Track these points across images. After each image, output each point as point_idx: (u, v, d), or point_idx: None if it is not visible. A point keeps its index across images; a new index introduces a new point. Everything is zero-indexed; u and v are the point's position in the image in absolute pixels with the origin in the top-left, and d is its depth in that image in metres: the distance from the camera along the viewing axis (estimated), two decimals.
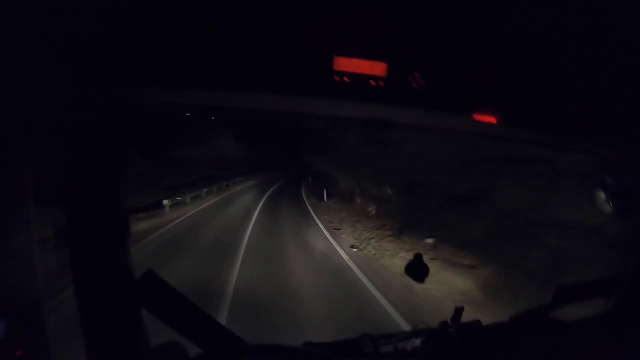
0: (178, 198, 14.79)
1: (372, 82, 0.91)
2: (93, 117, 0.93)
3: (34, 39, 0.78)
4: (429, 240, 8.72)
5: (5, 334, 0.77)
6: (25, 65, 0.79)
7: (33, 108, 0.84)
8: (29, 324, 0.85)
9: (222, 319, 4.68)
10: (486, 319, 1.36)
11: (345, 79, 0.91)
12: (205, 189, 19.31)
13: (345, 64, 0.91)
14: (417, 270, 1.38)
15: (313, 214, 14.88)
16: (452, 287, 6.37)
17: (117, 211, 0.99)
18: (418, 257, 1.39)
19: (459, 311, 1.38)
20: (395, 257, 8.12)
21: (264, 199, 19.19)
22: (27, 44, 0.78)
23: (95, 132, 0.94)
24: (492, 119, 0.95)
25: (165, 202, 13.56)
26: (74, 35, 0.82)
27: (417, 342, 1.39)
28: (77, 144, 0.92)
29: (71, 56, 0.83)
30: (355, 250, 8.80)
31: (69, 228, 0.94)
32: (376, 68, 0.91)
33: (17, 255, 0.84)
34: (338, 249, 8.78)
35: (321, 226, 12.12)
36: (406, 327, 4.63)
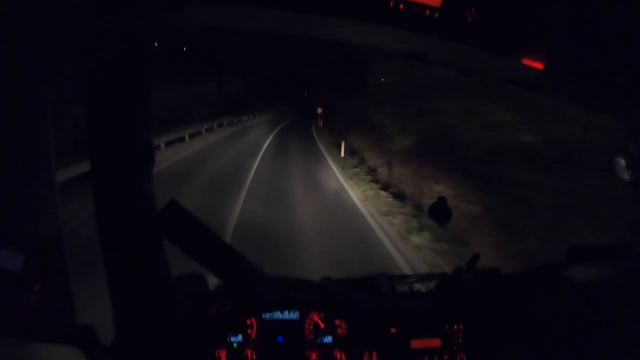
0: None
1: (427, 12, 0.89)
2: (114, 43, 0.89)
3: None
4: None
5: (22, 268, 0.77)
6: None
7: (52, 37, 0.80)
8: (47, 257, 0.85)
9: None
10: None
11: (401, 6, 0.88)
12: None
13: None
14: (440, 212, 1.40)
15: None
16: None
17: (141, 140, 0.97)
18: (442, 200, 1.40)
19: (475, 258, 1.42)
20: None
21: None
22: None
23: (117, 59, 0.90)
24: (539, 65, 0.93)
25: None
26: None
27: (432, 285, 1.47)
28: (100, 72, 0.89)
29: None
30: None
31: (91, 158, 0.93)
32: None
33: (35, 187, 0.82)
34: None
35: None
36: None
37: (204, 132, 20.68)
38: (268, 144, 19.11)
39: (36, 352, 0.70)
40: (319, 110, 31.24)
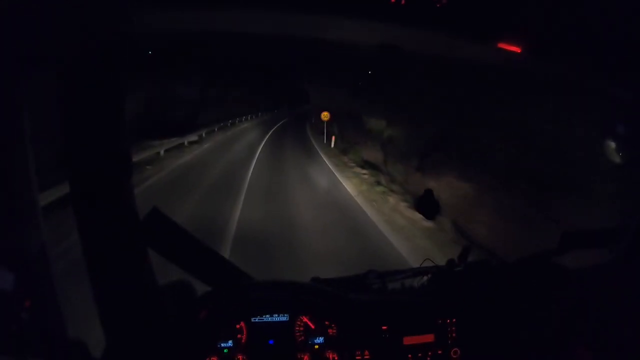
0: None
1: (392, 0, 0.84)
2: (89, 50, 0.86)
3: None
4: None
5: (13, 285, 0.77)
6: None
7: (28, 45, 0.78)
8: (36, 274, 0.84)
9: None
10: None
11: None
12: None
13: None
14: (427, 205, 1.37)
15: None
16: None
17: (118, 149, 0.95)
18: (428, 192, 1.38)
19: (466, 250, 1.39)
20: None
21: None
22: None
23: (93, 66, 0.87)
24: (516, 49, 0.89)
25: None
26: None
27: (424, 279, 1.42)
28: (74, 80, 0.87)
29: None
30: None
31: (69, 170, 0.90)
32: None
33: (19, 206, 0.82)
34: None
35: None
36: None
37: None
38: None
39: None
40: (325, 116, 16.60)
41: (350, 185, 9.65)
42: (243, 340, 1.19)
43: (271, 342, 1.20)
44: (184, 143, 14.37)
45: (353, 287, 1.36)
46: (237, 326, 1.19)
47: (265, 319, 1.21)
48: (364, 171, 11.51)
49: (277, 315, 1.21)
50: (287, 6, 0.86)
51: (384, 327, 1.23)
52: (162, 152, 12.18)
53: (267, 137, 19.02)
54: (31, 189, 0.84)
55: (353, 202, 8.06)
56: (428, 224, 6.97)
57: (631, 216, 1.26)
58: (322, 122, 16.96)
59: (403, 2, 0.84)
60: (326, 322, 1.22)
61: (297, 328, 1.21)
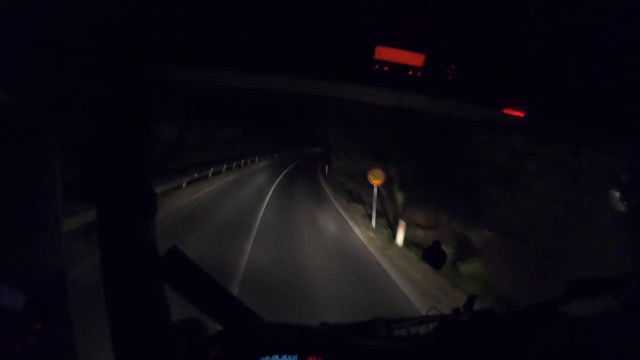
0: None
1: (409, 72, 0.97)
2: (122, 92, 0.95)
3: (62, 12, 0.77)
4: None
5: (23, 307, 0.77)
6: (54, 40, 0.79)
7: (60, 84, 0.86)
8: (50, 297, 0.84)
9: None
10: None
11: (385, 68, 0.97)
12: None
13: (386, 54, 0.96)
14: (434, 256, 1.41)
15: None
16: None
17: (143, 185, 1.01)
18: (436, 243, 1.42)
19: (471, 299, 1.42)
20: None
21: None
22: (55, 19, 0.77)
23: (123, 105, 0.95)
24: (520, 113, 1.00)
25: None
26: (104, 10, 0.82)
27: (430, 327, 1.44)
28: (103, 117, 0.94)
29: (100, 30, 0.83)
30: None
31: (95, 203, 0.96)
32: (415, 59, 0.96)
33: (42, 227, 0.84)
34: None
35: None
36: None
37: None
38: None
39: None
40: (377, 178, 10.30)
41: None
42: None
43: None
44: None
45: (360, 333, 1.38)
46: None
47: None
48: None
49: (286, 356, 1.22)
50: (306, 73, 0.98)
51: None
52: None
53: (262, 214, 10.39)
54: (56, 215, 0.88)
55: None
56: None
57: (637, 262, 1.28)
58: (342, 176, 11.75)
59: (419, 74, 0.97)
60: None
61: None
